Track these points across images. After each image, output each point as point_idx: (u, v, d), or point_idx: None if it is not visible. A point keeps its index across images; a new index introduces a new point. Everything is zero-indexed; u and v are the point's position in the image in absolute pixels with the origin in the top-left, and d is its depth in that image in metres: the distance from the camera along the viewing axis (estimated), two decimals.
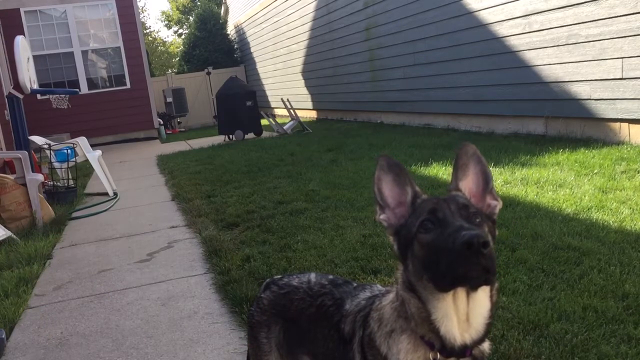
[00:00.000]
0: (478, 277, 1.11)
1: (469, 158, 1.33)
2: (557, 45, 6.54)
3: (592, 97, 6.19)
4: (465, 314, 1.20)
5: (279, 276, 1.79)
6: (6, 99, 7.28)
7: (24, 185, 5.54)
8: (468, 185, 1.33)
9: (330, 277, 1.66)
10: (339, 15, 12.16)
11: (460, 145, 1.34)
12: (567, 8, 6.32)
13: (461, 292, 1.18)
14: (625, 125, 5.93)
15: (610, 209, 3.81)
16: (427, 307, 1.21)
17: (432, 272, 1.16)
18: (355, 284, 1.58)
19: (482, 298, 1.22)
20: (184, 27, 37.91)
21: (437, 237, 1.15)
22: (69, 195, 6.85)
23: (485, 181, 1.34)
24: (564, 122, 6.72)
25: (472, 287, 1.17)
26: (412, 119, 10.16)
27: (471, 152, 1.33)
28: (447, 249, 1.10)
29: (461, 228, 1.11)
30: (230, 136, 11.66)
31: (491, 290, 1.24)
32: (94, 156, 7.31)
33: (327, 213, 4.64)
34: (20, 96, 6.99)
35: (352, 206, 4.77)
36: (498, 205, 1.34)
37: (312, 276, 1.67)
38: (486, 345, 1.28)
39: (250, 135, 11.68)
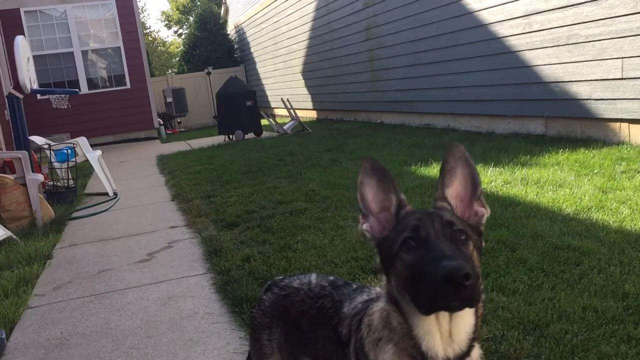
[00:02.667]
0: (459, 306, 1.09)
1: (457, 161, 1.26)
2: (557, 45, 6.54)
3: (592, 97, 6.19)
4: (448, 330, 1.18)
5: (280, 277, 1.79)
6: (6, 99, 7.28)
7: (24, 185, 5.54)
8: (455, 190, 1.27)
9: (331, 278, 1.64)
10: (339, 15, 12.16)
11: (448, 146, 1.26)
12: (567, 8, 6.32)
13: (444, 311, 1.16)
14: (625, 125, 5.93)
15: (610, 209, 3.81)
16: (408, 323, 1.18)
17: (412, 294, 1.12)
18: (355, 286, 1.57)
19: (466, 315, 1.19)
20: (184, 27, 37.92)
21: (419, 260, 1.11)
22: (69, 195, 6.85)
23: (474, 187, 1.27)
24: (564, 122, 6.72)
25: (454, 311, 1.15)
26: (412, 119, 10.16)
27: (459, 154, 1.26)
28: (428, 277, 1.06)
29: (442, 256, 1.07)
30: (230, 136, 11.66)
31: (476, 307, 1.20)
32: (94, 156, 7.31)
33: (327, 213, 4.64)
34: (20, 96, 6.99)
35: (352, 206, 4.77)
36: (486, 213, 1.28)
37: (313, 277, 1.66)
38: (475, 356, 1.24)
39: (250, 135, 11.68)
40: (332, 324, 1.47)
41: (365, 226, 1.27)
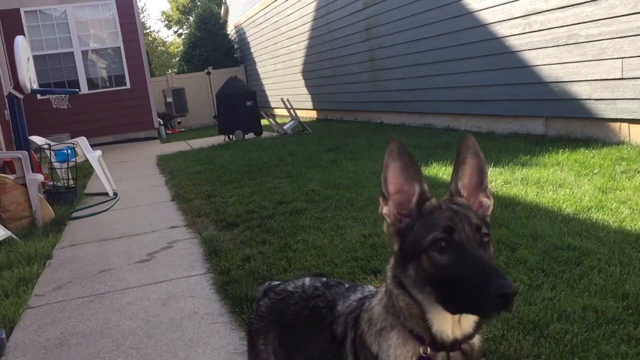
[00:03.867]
0: (497, 315, 1.12)
1: (467, 151, 1.28)
2: (557, 45, 6.54)
3: (592, 97, 6.19)
4: (458, 315, 1.20)
5: (276, 282, 1.81)
6: (6, 99, 7.28)
7: (24, 185, 5.54)
8: (465, 181, 1.29)
9: (324, 279, 1.66)
10: (339, 15, 12.16)
11: (461, 137, 1.29)
12: (567, 8, 6.32)
13: None
14: (625, 125, 5.93)
15: (610, 209, 3.81)
16: (422, 308, 1.20)
17: (440, 292, 1.14)
18: (347, 285, 1.58)
19: None
20: (184, 27, 37.92)
21: (455, 265, 1.13)
22: (69, 195, 6.85)
23: (480, 177, 1.30)
24: (564, 122, 6.72)
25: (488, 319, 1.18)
26: (412, 119, 10.16)
27: (470, 144, 1.28)
28: (474, 288, 1.08)
29: (492, 271, 1.09)
30: (230, 136, 11.66)
31: None
32: (94, 156, 7.31)
33: (327, 213, 4.64)
34: (20, 96, 6.98)
35: (352, 206, 4.77)
36: (490, 205, 1.30)
37: (307, 280, 1.68)
38: (476, 340, 1.27)
39: (250, 135, 11.68)
40: (327, 322, 1.48)
41: (385, 210, 1.26)
